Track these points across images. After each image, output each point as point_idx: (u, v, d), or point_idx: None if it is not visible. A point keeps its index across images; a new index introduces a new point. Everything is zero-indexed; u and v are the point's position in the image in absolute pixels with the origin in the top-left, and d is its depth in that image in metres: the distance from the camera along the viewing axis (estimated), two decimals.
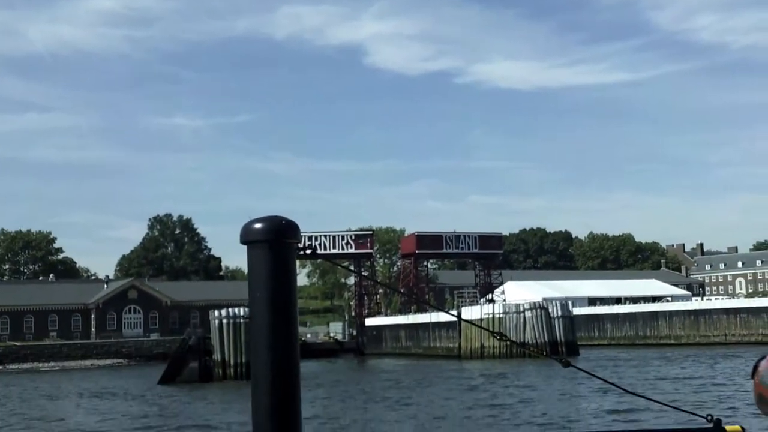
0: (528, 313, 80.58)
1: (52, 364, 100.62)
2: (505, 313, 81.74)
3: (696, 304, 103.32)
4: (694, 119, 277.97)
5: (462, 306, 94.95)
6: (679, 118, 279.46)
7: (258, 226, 2.65)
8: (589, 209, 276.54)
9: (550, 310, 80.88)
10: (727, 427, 3.06)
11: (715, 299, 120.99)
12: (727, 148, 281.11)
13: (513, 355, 75.69)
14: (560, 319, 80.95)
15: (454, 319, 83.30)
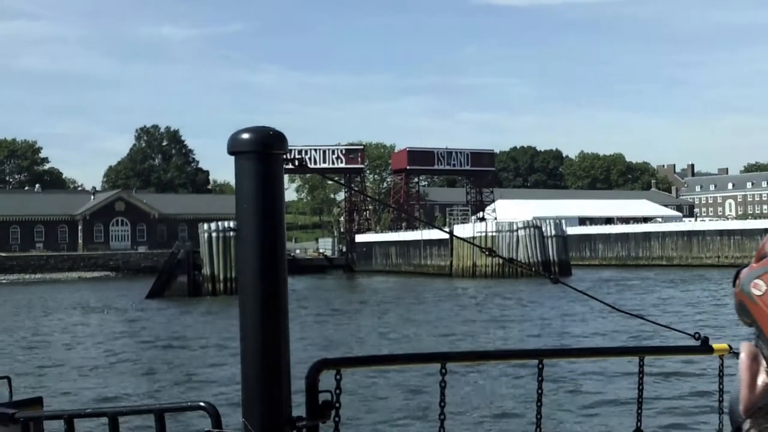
0: (521, 232, 79.61)
1: (38, 275, 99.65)
2: (497, 231, 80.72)
3: (689, 225, 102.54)
4: (685, 39, 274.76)
5: (454, 224, 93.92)
6: (670, 38, 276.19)
7: (245, 136, 2.61)
8: (580, 128, 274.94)
9: (543, 229, 79.86)
10: (714, 345, 3.14)
11: (709, 220, 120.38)
12: (717, 69, 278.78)
13: (505, 274, 74.99)
14: (553, 239, 80.00)
15: (446, 236, 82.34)
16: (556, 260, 78.84)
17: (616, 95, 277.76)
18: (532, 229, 79.35)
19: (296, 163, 2.85)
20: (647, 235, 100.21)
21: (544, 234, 79.58)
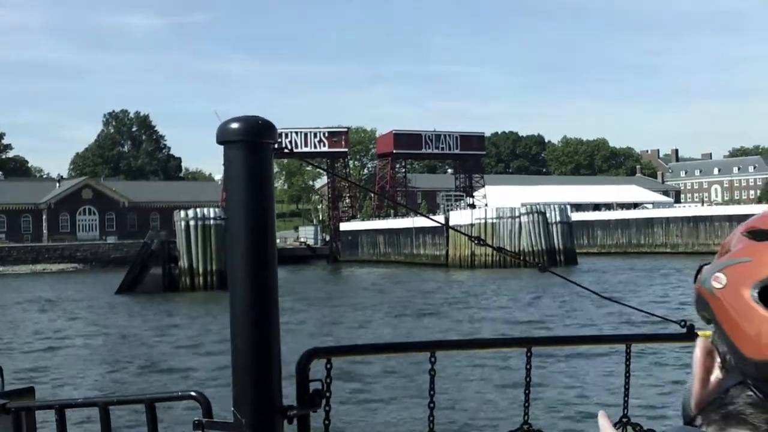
0: (524, 218, 73.75)
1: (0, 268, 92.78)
2: (498, 217, 74.86)
3: (696, 210, 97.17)
4: (652, 27, 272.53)
5: (449, 211, 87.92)
6: (639, 25, 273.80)
7: (234, 125, 2.64)
8: (555, 116, 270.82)
9: (547, 215, 74.03)
10: (700, 332, 3.08)
11: (715, 205, 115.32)
12: (686, 56, 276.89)
13: (506, 264, 69.12)
14: (558, 225, 74.16)
15: (437, 224, 76.20)
16: (562, 248, 73.14)
17: (590, 83, 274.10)
18: (535, 215, 73.45)
19: (285, 150, 2.79)
20: (650, 221, 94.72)
21: (549, 220, 73.78)
